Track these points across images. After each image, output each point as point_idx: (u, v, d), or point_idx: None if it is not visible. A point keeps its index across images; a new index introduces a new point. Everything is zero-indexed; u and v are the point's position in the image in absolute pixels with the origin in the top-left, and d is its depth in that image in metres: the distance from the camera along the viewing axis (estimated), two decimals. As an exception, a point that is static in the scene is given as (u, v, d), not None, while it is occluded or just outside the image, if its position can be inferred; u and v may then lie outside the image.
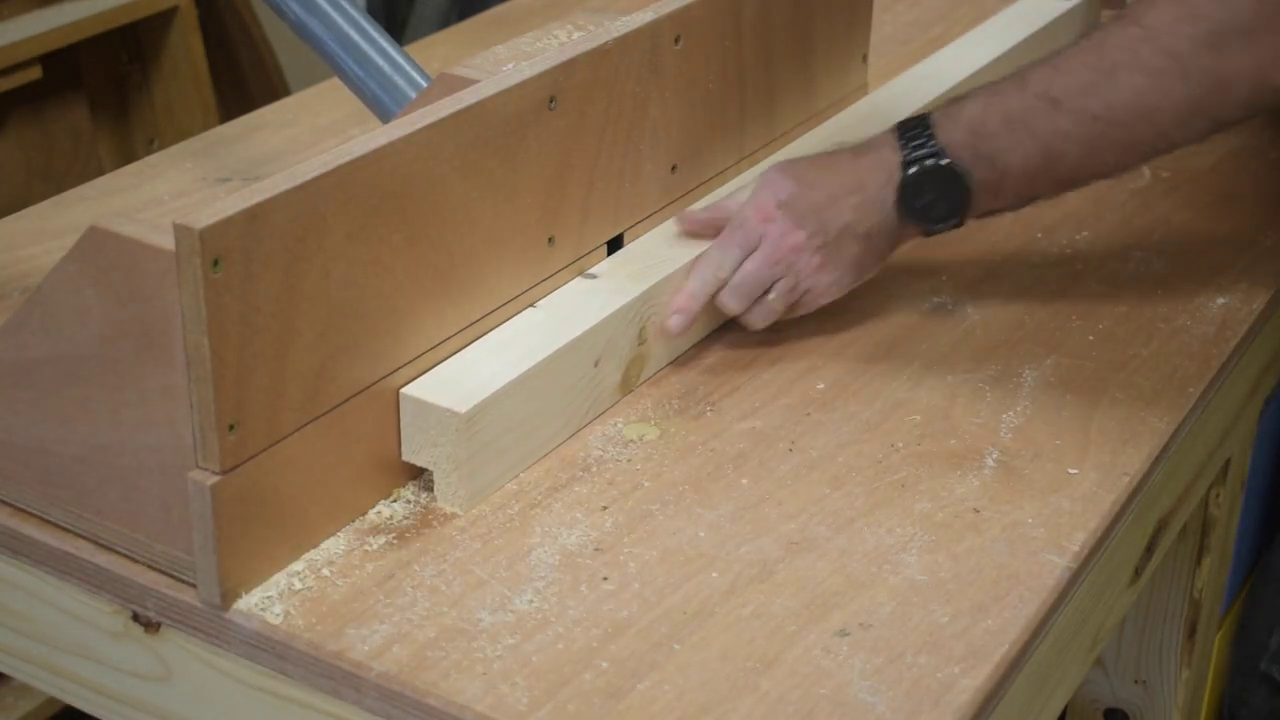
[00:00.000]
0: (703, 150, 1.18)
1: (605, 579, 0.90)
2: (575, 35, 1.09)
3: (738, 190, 1.14)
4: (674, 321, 1.08)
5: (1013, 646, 0.86)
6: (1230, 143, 1.41)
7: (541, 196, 1.03)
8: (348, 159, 0.88)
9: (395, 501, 0.96)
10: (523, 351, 0.99)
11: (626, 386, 1.07)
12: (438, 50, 1.64)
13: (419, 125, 0.92)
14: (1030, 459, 1.01)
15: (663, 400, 1.07)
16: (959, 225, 1.09)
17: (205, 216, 0.81)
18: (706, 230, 1.12)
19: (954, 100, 1.08)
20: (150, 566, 0.91)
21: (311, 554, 0.91)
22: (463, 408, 0.93)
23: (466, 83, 0.99)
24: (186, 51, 2.25)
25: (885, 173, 1.08)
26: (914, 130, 1.07)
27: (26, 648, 0.99)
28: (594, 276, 1.08)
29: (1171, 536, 1.19)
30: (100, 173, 1.69)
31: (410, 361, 0.96)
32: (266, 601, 0.87)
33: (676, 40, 1.11)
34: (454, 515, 0.95)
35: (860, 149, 1.11)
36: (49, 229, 1.28)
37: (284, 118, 1.50)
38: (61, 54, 2.11)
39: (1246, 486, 1.45)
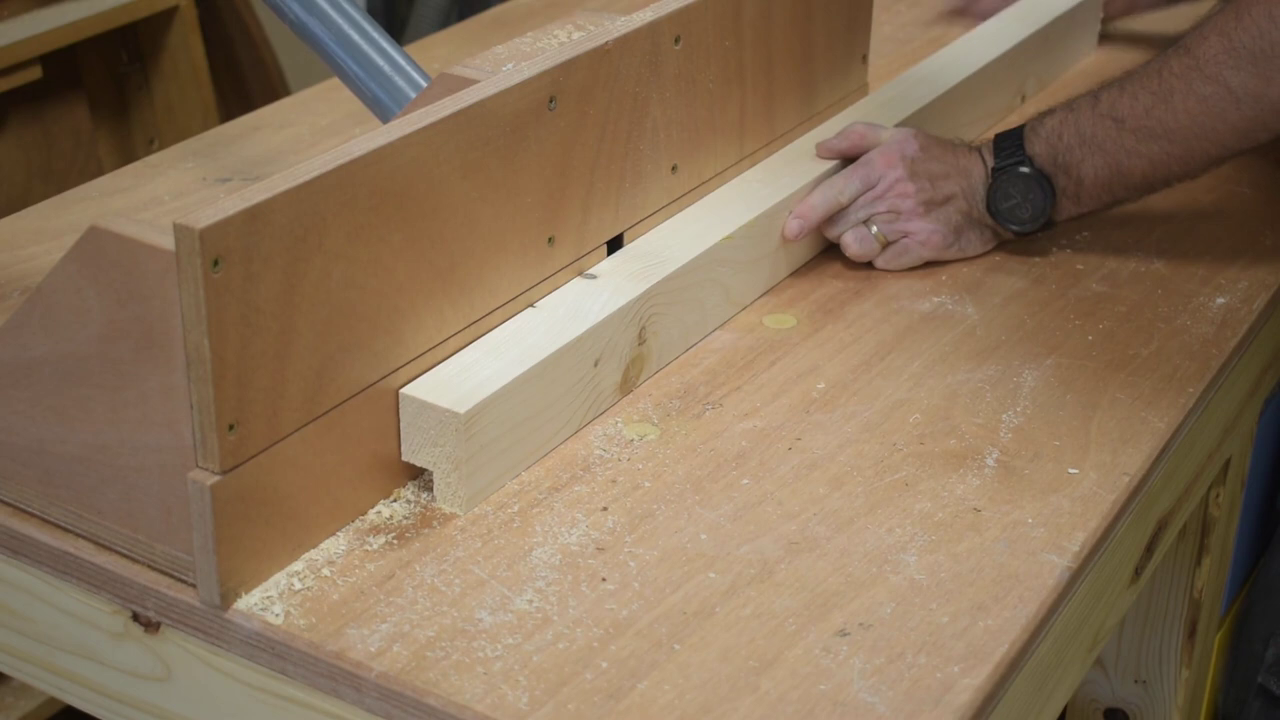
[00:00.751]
0: (703, 150, 1.18)
1: (605, 579, 0.90)
2: (575, 35, 1.09)
3: (875, 123, 1.25)
4: (792, 225, 1.20)
5: (1013, 646, 0.86)
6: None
7: (541, 196, 1.03)
8: (348, 159, 0.88)
9: (395, 501, 0.96)
10: (522, 352, 0.99)
11: (626, 387, 1.07)
12: (438, 50, 1.64)
13: (419, 125, 0.92)
14: (1030, 459, 1.01)
15: (663, 400, 1.07)
16: (1048, 227, 1.22)
17: (205, 216, 0.81)
18: (839, 157, 1.25)
19: (1041, 113, 1.22)
20: (150, 566, 0.91)
21: (311, 554, 0.91)
22: (462, 408, 0.93)
23: (466, 83, 0.99)
24: (186, 51, 2.25)
25: (983, 171, 1.22)
26: (1006, 140, 1.21)
27: (26, 648, 0.99)
28: (594, 277, 1.08)
29: (1171, 536, 1.19)
30: (100, 173, 1.69)
31: (410, 361, 0.96)
32: (266, 601, 0.87)
33: (676, 40, 1.11)
34: (454, 515, 0.95)
35: (972, 146, 1.24)
36: (49, 229, 1.28)
37: (284, 118, 1.50)
38: (61, 54, 2.10)
39: (1246, 486, 1.45)
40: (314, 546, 0.92)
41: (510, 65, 1.03)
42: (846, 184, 1.21)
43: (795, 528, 0.94)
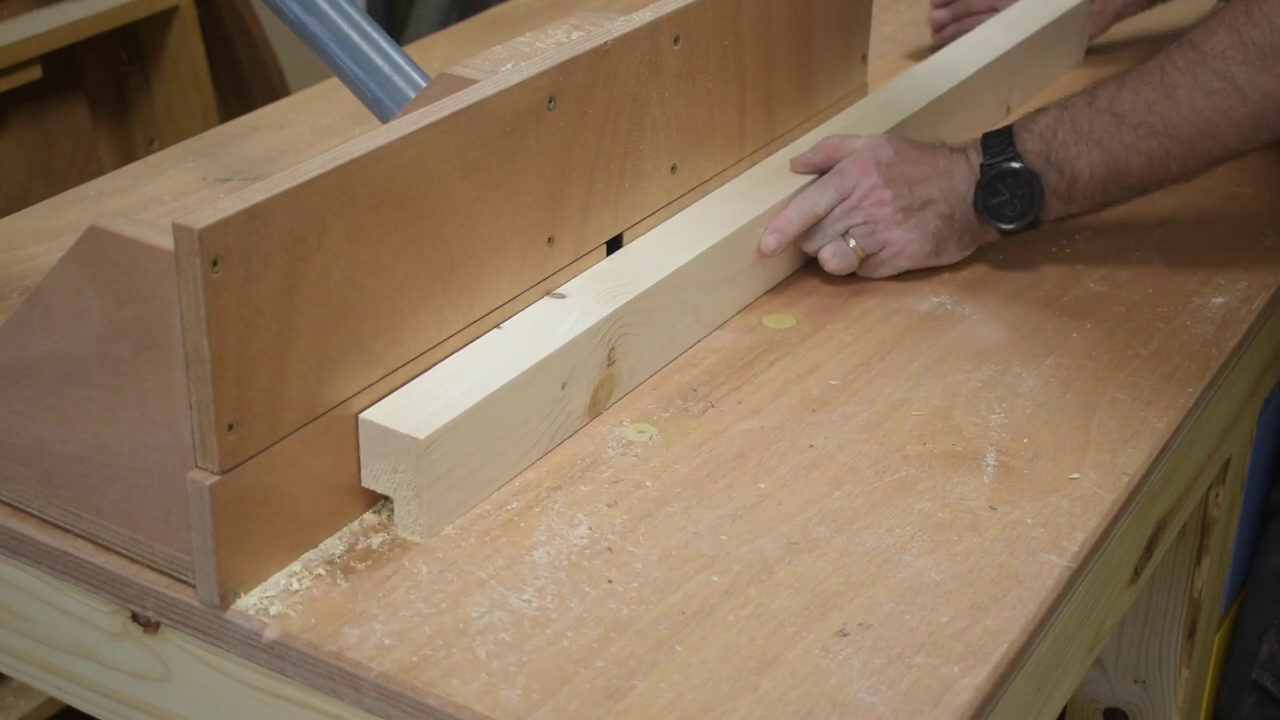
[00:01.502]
0: (702, 150, 1.18)
1: (605, 579, 0.90)
2: (575, 35, 1.09)
3: (849, 135, 1.23)
4: (769, 240, 1.18)
5: (1012, 646, 0.86)
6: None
7: (541, 196, 1.03)
8: (348, 159, 0.88)
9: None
10: (486, 375, 0.96)
11: (595, 409, 1.04)
12: (438, 50, 1.64)
13: (419, 125, 0.92)
14: (1030, 459, 1.01)
15: (663, 400, 1.07)
16: (1034, 226, 1.19)
17: (205, 216, 0.81)
18: (814, 171, 1.23)
19: (1033, 112, 1.19)
20: (150, 566, 0.91)
21: (310, 554, 0.91)
22: (422, 434, 0.90)
23: (466, 83, 0.99)
24: (186, 51, 2.25)
25: (969, 170, 1.20)
26: (995, 138, 1.18)
27: (26, 648, 0.99)
28: (562, 296, 1.05)
29: (1171, 536, 1.19)
30: (100, 173, 1.69)
31: (410, 361, 0.96)
32: (265, 601, 0.87)
33: (676, 40, 1.11)
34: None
35: (955, 147, 1.22)
36: (49, 229, 1.28)
37: (284, 118, 1.50)
38: (61, 54, 2.11)
39: (1246, 486, 1.45)
40: (313, 546, 0.92)
41: (510, 65, 1.03)
42: (821, 195, 1.19)
43: (795, 528, 0.94)
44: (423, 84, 1.14)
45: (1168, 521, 1.15)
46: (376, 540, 0.93)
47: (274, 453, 0.87)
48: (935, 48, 1.52)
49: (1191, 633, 1.42)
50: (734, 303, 1.17)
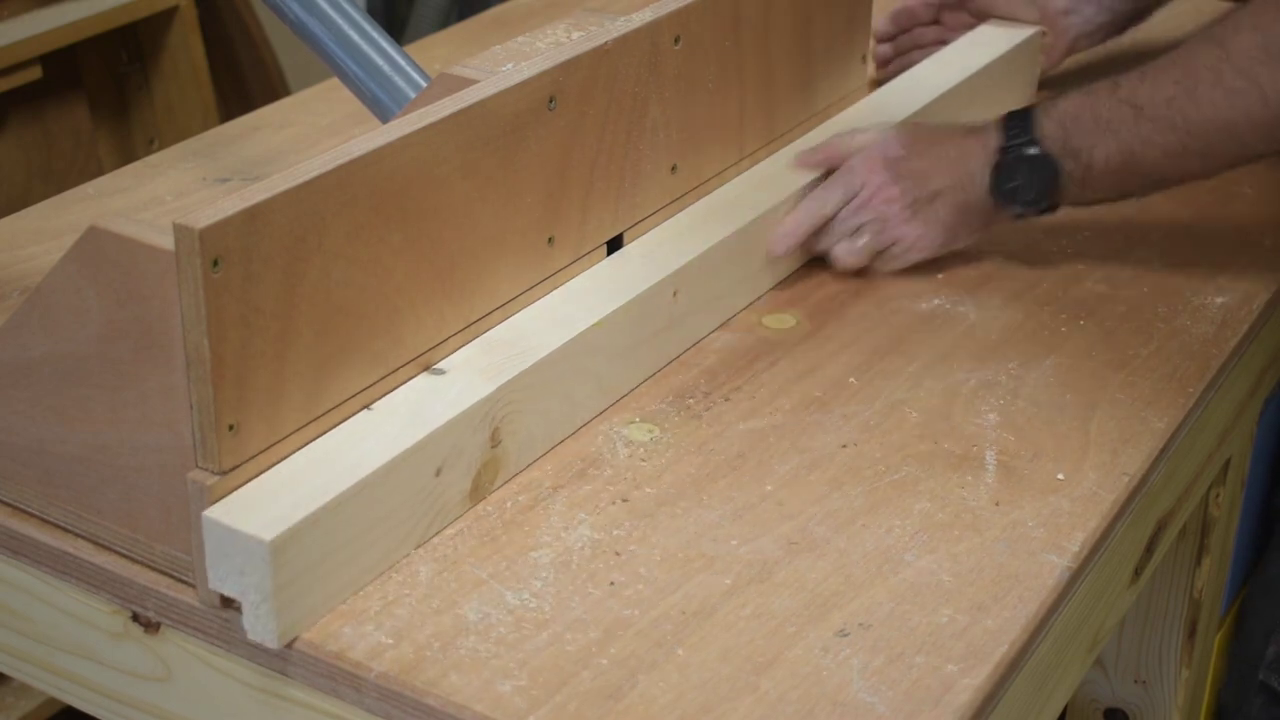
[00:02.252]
0: (702, 150, 1.18)
1: (606, 579, 0.90)
2: (575, 35, 1.09)
3: (853, 131, 1.22)
4: (778, 242, 1.18)
5: (1012, 646, 0.86)
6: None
7: (541, 196, 1.03)
8: (348, 159, 0.88)
9: (395, 501, 0.96)
10: (349, 463, 0.87)
11: (479, 493, 0.95)
12: (438, 50, 1.64)
13: (419, 125, 0.92)
14: (1030, 459, 1.01)
15: (663, 400, 1.07)
16: (1049, 211, 1.18)
17: (205, 216, 0.81)
18: (821, 168, 1.22)
19: (1054, 96, 1.17)
20: (150, 566, 0.91)
21: (311, 554, 0.91)
22: (269, 534, 0.81)
23: (466, 83, 0.99)
24: (186, 51, 2.25)
25: (985, 154, 1.18)
26: (1016, 119, 1.17)
27: (26, 648, 0.99)
28: (441, 372, 0.96)
29: (1171, 536, 1.19)
30: (100, 173, 1.69)
31: (410, 361, 0.96)
32: (266, 601, 0.87)
33: (676, 40, 1.11)
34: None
35: (971, 129, 1.20)
36: (49, 229, 1.28)
37: (284, 118, 1.50)
38: (61, 54, 2.11)
39: (1246, 486, 1.45)
40: (313, 546, 0.92)
41: (510, 65, 1.03)
42: (829, 194, 1.19)
43: (795, 528, 0.94)
44: (423, 84, 1.14)
45: (1168, 522, 1.15)
46: (377, 540, 0.93)
47: (274, 453, 0.87)
48: (879, 82, 1.44)
49: (1192, 633, 1.42)
50: (646, 367, 1.08)
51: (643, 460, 1.00)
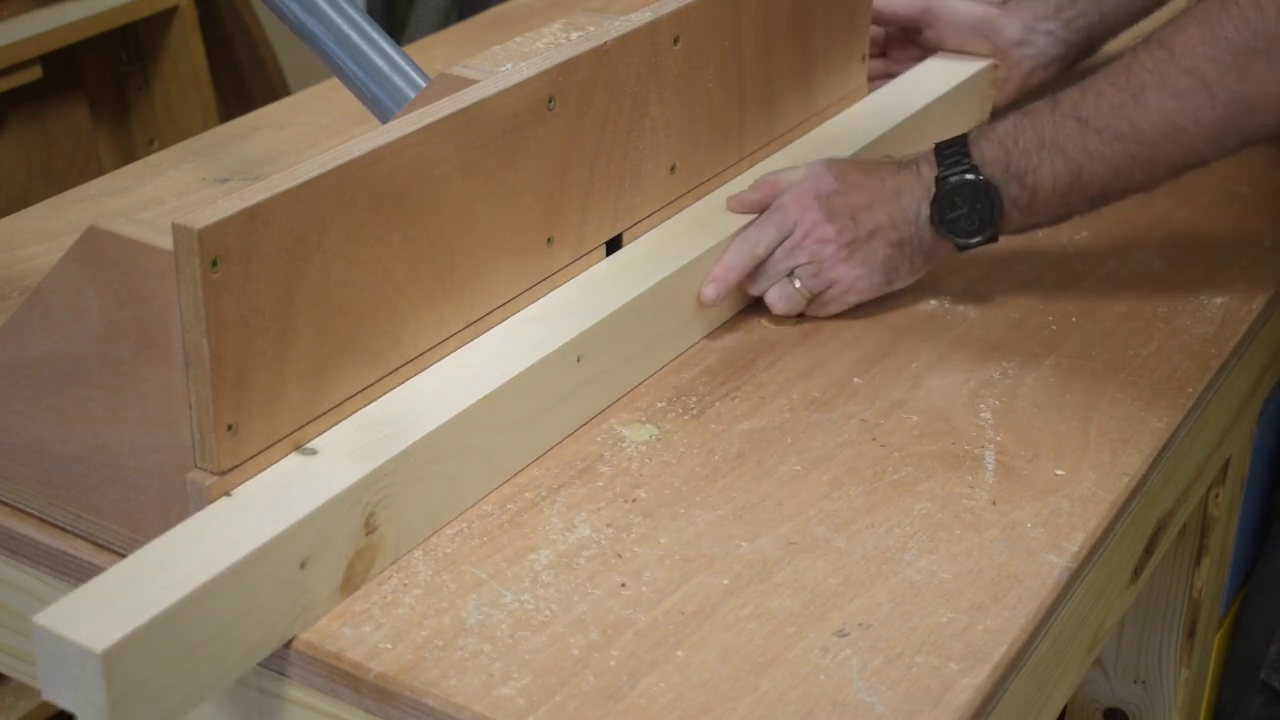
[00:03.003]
0: (702, 150, 1.18)
1: (605, 578, 0.90)
2: (574, 35, 1.09)
3: (785, 169, 1.17)
4: (708, 291, 1.11)
5: (1012, 646, 0.86)
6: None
7: (541, 196, 1.03)
8: (347, 159, 0.88)
9: (394, 501, 0.96)
10: (199, 559, 0.78)
11: (352, 585, 0.87)
12: (438, 50, 1.64)
13: (418, 125, 0.92)
14: (1030, 459, 1.01)
15: (663, 400, 1.07)
16: (992, 240, 1.12)
17: (204, 216, 0.81)
18: (754, 211, 1.16)
19: (990, 120, 1.12)
20: (149, 566, 0.90)
21: (311, 554, 0.91)
22: (101, 644, 0.73)
23: (466, 83, 0.99)
24: (186, 51, 2.25)
25: (921, 186, 1.12)
26: (951, 147, 1.11)
27: (26, 648, 0.99)
28: (312, 453, 0.88)
29: (1171, 536, 1.19)
30: (100, 173, 1.69)
31: (410, 361, 0.96)
32: (266, 601, 0.87)
33: (676, 40, 1.11)
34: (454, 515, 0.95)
35: (904, 162, 1.15)
36: (49, 229, 1.28)
37: (284, 118, 1.50)
38: (61, 54, 2.11)
39: (1246, 486, 1.45)
40: (313, 547, 0.91)
41: (509, 65, 1.03)
42: (761, 234, 1.13)
43: (795, 528, 0.94)
44: (423, 84, 1.14)
45: (1168, 522, 1.15)
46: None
47: (274, 453, 0.87)
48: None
49: (1191, 633, 1.42)
50: (545, 438, 1.00)
51: (643, 460, 1.00)
